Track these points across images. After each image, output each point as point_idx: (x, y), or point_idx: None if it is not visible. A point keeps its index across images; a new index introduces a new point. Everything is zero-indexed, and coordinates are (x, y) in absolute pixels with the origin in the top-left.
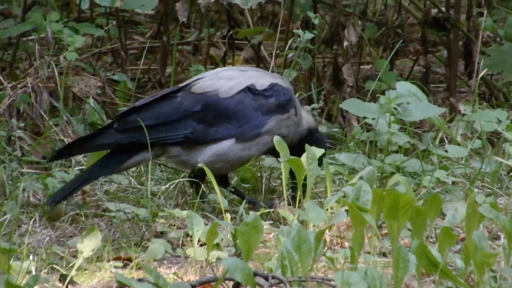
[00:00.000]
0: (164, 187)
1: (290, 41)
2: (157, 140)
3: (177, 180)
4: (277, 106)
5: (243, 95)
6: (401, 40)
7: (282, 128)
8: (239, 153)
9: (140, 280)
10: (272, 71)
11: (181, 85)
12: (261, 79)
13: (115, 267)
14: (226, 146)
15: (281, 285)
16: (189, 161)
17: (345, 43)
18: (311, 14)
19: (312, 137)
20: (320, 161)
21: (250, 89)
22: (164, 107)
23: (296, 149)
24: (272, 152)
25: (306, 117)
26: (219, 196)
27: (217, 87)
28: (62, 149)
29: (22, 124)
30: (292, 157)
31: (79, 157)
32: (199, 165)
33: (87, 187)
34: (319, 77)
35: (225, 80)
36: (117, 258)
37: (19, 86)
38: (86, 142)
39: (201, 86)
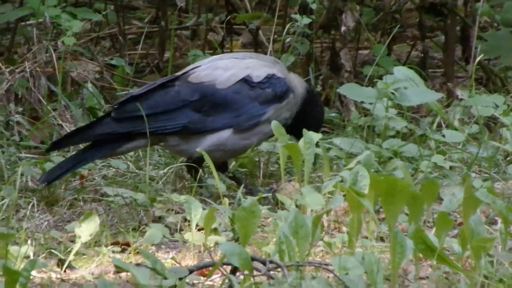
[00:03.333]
0: (162, 171)
1: (288, 26)
2: (154, 130)
3: (175, 165)
4: (274, 97)
5: (239, 86)
6: (399, 25)
7: (282, 114)
8: (238, 142)
9: (137, 265)
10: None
11: (178, 74)
12: (256, 69)
13: (113, 252)
14: (224, 136)
15: (279, 269)
16: (187, 150)
17: (343, 28)
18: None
19: (311, 94)
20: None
21: (246, 81)
22: (162, 96)
23: (301, 112)
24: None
25: (298, 82)
26: (217, 181)
27: (214, 77)
28: (59, 140)
29: (20, 109)
30: (289, 142)
31: None
32: (198, 149)
33: (85, 172)
34: (317, 62)
35: (221, 70)
36: (115, 243)
37: (17, 71)
38: (83, 132)
39: (197, 76)
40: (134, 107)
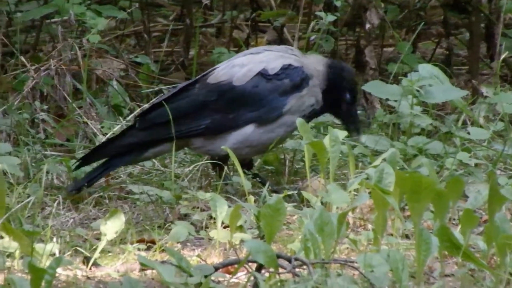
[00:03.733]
0: (187, 169)
1: (312, 24)
2: (178, 134)
3: (200, 163)
4: (293, 87)
5: (256, 80)
6: (423, 23)
7: (306, 102)
8: (263, 136)
9: (163, 262)
10: None
11: (198, 77)
12: (272, 62)
13: (139, 249)
14: (248, 131)
15: (304, 267)
16: (214, 151)
17: (367, 26)
18: None
19: (333, 66)
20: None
21: (262, 74)
22: (183, 100)
23: (328, 90)
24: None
25: (316, 62)
26: (242, 178)
27: (231, 75)
28: (87, 155)
29: (45, 107)
30: (314, 139)
31: (101, 138)
32: (222, 147)
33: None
34: (342, 59)
35: (238, 67)
36: (140, 241)
37: (42, 68)
38: (110, 145)
39: (215, 76)
40: (156, 114)
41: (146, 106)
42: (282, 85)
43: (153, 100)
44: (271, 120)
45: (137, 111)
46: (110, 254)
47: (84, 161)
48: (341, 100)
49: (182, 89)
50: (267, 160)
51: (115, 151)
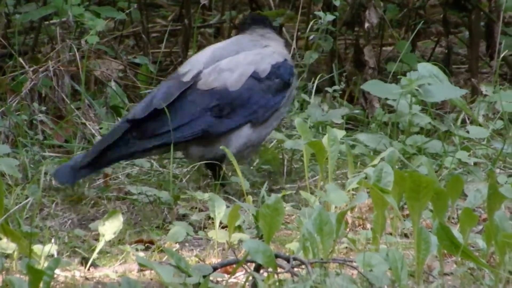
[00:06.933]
0: (186, 169)
1: (311, 23)
2: (177, 140)
3: (198, 163)
4: (285, 84)
5: (250, 83)
6: (423, 21)
7: (293, 91)
8: (261, 133)
9: (161, 263)
10: (294, 54)
11: (184, 79)
12: (261, 63)
13: (137, 250)
14: (246, 132)
15: (303, 266)
16: (215, 154)
17: (367, 25)
18: None
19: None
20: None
21: (254, 77)
22: (179, 109)
23: None
24: None
25: (281, 44)
26: (240, 178)
27: (223, 81)
28: (86, 164)
29: (44, 108)
30: (313, 139)
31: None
32: (221, 147)
33: (109, 170)
34: (341, 59)
35: (228, 72)
36: (139, 241)
37: (40, 70)
38: (108, 153)
39: (206, 82)
40: (156, 126)
41: (137, 112)
42: (274, 85)
43: (143, 104)
44: (268, 118)
45: (129, 114)
46: (108, 255)
47: (85, 169)
48: None
49: (176, 99)
50: (266, 160)
51: (116, 161)
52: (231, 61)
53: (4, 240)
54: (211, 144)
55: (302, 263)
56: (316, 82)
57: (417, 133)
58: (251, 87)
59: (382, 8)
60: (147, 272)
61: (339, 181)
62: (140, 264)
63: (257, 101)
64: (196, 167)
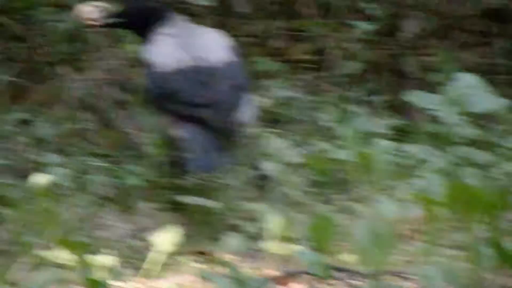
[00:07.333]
0: (238, 180)
1: (351, 33)
2: None
3: (252, 174)
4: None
5: None
6: (464, 32)
7: None
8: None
9: (221, 275)
10: (332, 64)
11: None
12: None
13: (193, 261)
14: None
15: (358, 278)
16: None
17: (406, 34)
18: (372, 6)
19: None
20: None
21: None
22: None
23: None
24: None
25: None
26: (292, 189)
27: None
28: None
29: (90, 117)
30: (362, 150)
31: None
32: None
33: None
34: (382, 69)
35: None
36: (193, 252)
37: (86, 78)
38: None
39: None
40: None
41: None
42: None
43: None
44: None
45: None
46: (163, 265)
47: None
48: None
49: None
50: (315, 170)
51: None
52: None
53: (61, 251)
54: None
55: (358, 274)
56: (360, 92)
57: (464, 143)
58: None
59: (422, 17)
60: (202, 284)
61: (388, 192)
62: (203, 277)
63: None
64: (249, 178)
